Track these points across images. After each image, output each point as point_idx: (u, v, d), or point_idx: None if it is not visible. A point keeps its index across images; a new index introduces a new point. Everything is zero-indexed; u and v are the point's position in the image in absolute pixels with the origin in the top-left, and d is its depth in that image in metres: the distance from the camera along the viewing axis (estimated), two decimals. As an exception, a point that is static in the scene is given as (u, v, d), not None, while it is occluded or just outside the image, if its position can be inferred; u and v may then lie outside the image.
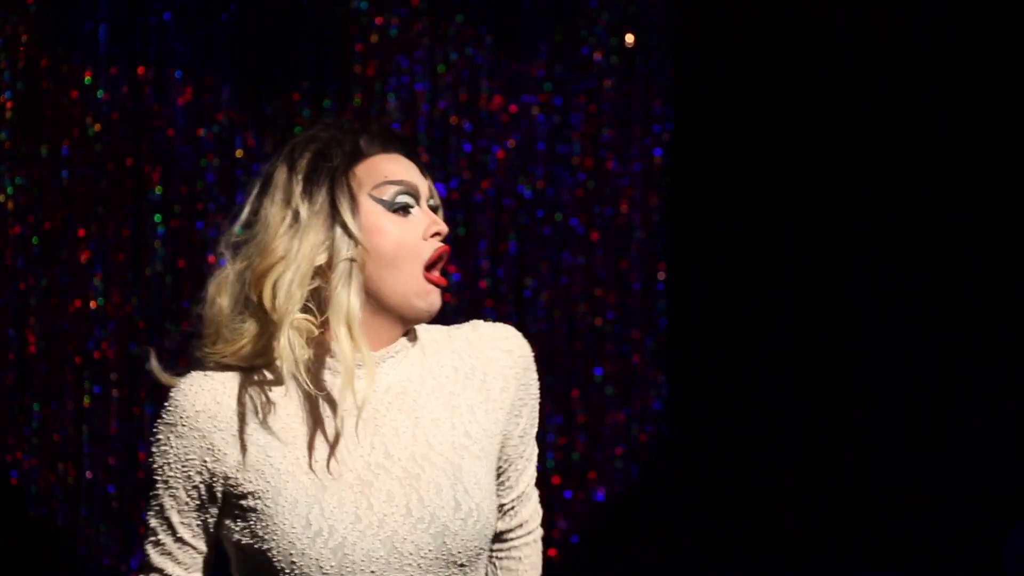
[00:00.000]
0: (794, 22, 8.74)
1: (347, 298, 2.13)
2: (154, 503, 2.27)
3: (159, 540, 2.26)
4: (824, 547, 8.86)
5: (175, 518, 2.22)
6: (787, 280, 9.02)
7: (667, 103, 8.75)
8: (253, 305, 2.16)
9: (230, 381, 2.20)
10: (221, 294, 2.20)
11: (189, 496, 2.21)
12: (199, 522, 2.22)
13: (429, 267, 2.20)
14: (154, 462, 2.24)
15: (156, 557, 2.25)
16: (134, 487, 8.22)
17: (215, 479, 2.19)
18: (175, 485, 2.20)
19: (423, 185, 2.24)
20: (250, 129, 8.35)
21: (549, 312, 8.63)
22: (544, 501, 2.61)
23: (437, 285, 2.21)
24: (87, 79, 8.20)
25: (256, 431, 2.17)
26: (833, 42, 8.74)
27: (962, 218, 8.52)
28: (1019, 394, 8.34)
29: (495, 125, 8.64)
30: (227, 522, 2.21)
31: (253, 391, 2.18)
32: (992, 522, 8.12)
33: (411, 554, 2.16)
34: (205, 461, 2.18)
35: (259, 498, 2.16)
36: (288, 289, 2.13)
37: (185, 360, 2.30)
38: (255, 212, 2.24)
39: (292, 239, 2.16)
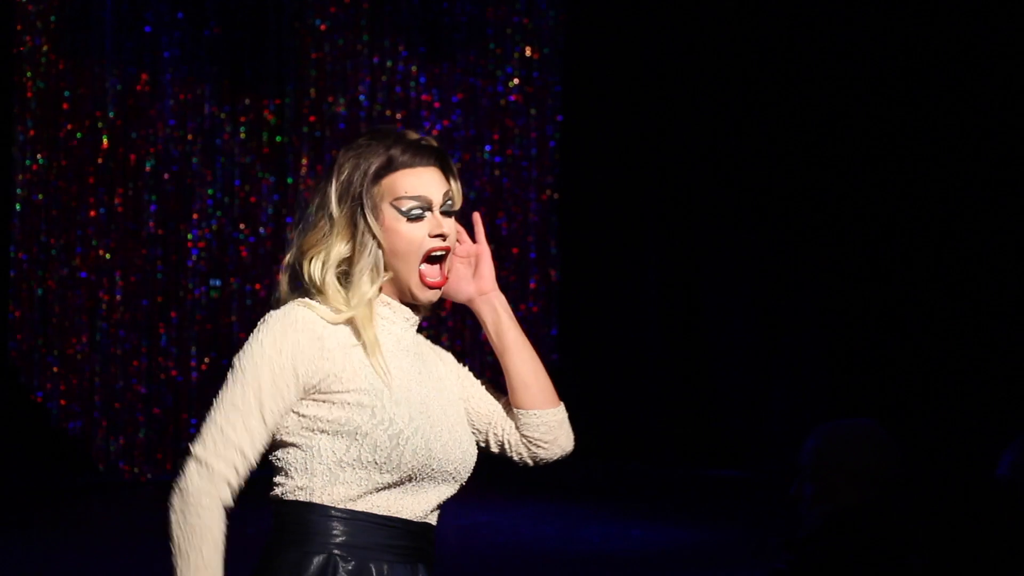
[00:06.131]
0: (660, 42, 10.17)
1: (368, 286, 2.44)
2: (245, 389, 2.39)
3: (232, 427, 2.38)
4: (677, 448, 10.20)
5: (267, 402, 2.38)
6: (650, 240, 10.44)
7: (557, 103, 10.32)
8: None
9: (326, 310, 2.46)
10: (285, 268, 2.49)
11: (286, 384, 2.38)
12: (280, 411, 2.39)
13: (427, 260, 2.45)
14: (260, 351, 2.39)
15: (222, 442, 2.38)
16: (133, 407, 9.60)
17: (318, 374, 2.39)
18: (278, 370, 2.37)
19: (438, 195, 2.46)
20: (228, 119, 9.74)
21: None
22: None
23: (430, 286, 2.47)
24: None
25: (355, 348, 2.42)
26: (689, 49, 10.08)
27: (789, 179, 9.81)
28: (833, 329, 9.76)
29: (421, 117, 10.09)
30: (324, 412, 2.40)
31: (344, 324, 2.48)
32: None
33: (451, 461, 2.47)
34: (315, 357, 2.38)
35: (368, 394, 2.40)
36: (320, 272, 2.44)
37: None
38: (309, 205, 2.50)
39: (327, 239, 2.44)
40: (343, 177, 2.44)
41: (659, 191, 10.39)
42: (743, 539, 7.62)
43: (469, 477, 2.54)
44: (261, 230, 9.90)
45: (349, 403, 2.39)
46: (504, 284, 10.30)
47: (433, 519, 2.50)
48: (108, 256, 9.63)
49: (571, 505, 8.57)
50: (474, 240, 2.61)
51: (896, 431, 9.40)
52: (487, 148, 10.25)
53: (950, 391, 9.23)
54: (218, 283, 9.83)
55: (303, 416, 2.41)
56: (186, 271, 9.80)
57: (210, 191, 9.83)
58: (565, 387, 8.96)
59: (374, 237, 2.43)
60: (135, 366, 9.67)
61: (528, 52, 10.24)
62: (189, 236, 9.82)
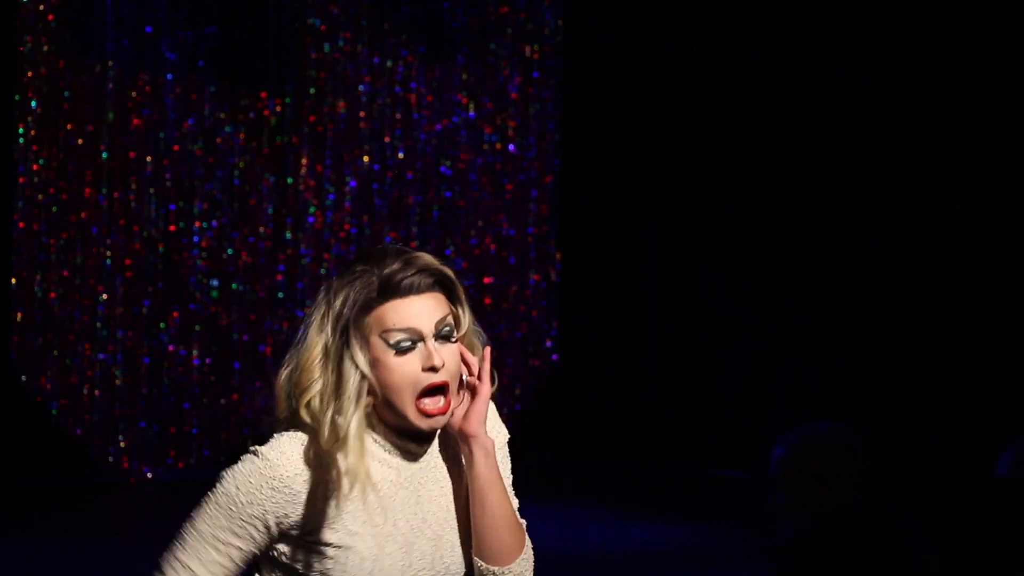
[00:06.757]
0: (659, 42, 10.26)
1: (349, 421, 2.34)
2: (208, 522, 2.37)
3: (189, 555, 2.38)
4: (676, 448, 10.21)
5: (231, 541, 2.36)
6: (651, 240, 10.45)
7: (557, 99, 10.34)
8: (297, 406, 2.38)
9: (314, 450, 2.36)
10: (279, 389, 2.39)
11: (253, 531, 2.36)
12: (240, 551, 2.37)
13: (423, 395, 2.35)
14: (233, 495, 2.36)
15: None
16: (133, 406, 9.64)
17: (290, 526, 2.37)
18: (245, 522, 2.35)
19: (429, 324, 2.34)
20: (228, 119, 9.75)
21: (464, 267, 10.08)
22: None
23: (428, 415, 2.36)
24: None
25: (334, 498, 2.36)
26: (683, 52, 10.19)
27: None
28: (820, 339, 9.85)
29: (422, 117, 10.12)
30: (291, 551, 2.38)
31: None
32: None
33: None
34: (287, 513, 2.36)
35: (335, 547, 2.36)
36: (319, 415, 2.35)
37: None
38: (305, 328, 2.40)
39: (323, 369, 2.36)
40: (336, 306, 2.35)
41: (659, 190, 10.41)
42: (743, 539, 7.56)
43: None
44: (261, 230, 9.92)
45: (317, 552, 2.36)
46: (505, 284, 10.45)
47: None
48: (108, 256, 9.64)
49: (571, 505, 8.56)
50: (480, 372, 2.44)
51: (896, 432, 9.49)
52: (487, 147, 10.23)
53: (950, 392, 9.26)
54: (218, 283, 9.84)
55: (277, 550, 2.40)
56: (186, 271, 9.81)
57: (210, 191, 9.84)
58: (565, 387, 9.02)
59: (360, 373, 2.34)
60: (135, 366, 9.67)
61: (528, 51, 10.24)
62: (189, 236, 9.82)
